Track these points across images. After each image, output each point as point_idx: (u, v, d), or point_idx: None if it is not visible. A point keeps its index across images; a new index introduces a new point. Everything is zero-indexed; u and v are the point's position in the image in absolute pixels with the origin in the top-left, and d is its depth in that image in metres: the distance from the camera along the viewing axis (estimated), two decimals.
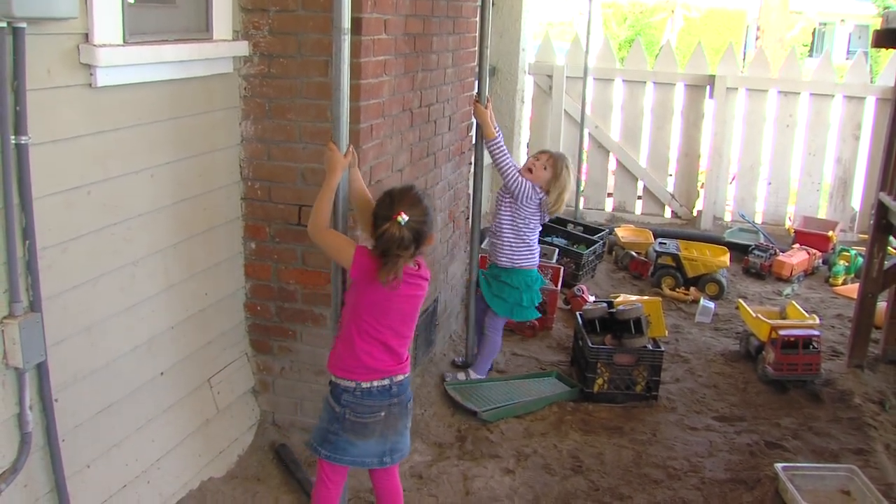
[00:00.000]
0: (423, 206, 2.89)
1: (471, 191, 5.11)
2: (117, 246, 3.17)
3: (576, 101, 8.60)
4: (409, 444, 3.20)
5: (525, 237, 4.73)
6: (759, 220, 8.57)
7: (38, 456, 2.88)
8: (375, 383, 2.97)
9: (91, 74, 2.91)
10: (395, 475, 3.26)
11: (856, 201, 8.42)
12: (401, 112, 4.09)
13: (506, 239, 4.73)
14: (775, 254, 7.27)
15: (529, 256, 4.79)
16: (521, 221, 4.71)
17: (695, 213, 8.70)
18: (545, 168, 4.62)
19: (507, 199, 4.70)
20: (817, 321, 5.34)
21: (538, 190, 4.63)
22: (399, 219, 2.80)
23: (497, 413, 4.51)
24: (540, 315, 5.08)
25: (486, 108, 4.65)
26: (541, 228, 4.86)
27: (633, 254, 7.21)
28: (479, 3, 4.84)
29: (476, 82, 4.98)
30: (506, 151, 4.65)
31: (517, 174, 4.61)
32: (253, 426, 4.09)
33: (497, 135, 4.65)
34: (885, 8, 17.58)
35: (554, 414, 4.62)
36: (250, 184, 3.87)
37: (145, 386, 3.42)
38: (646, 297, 5.71)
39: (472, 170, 5.00)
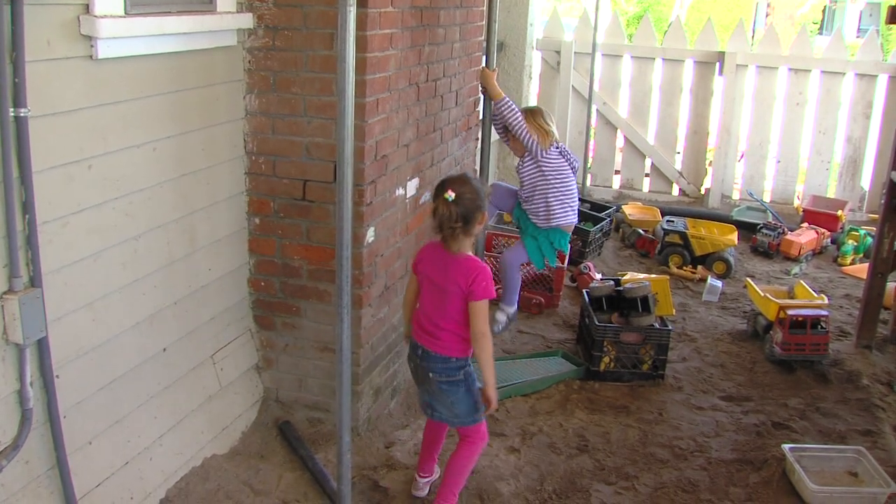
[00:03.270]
0: (472, 185, 3.24)
1: (478, 166, 5.06)
2: (119, 221, 3.13)
3: (584, 78, 8.53)
4: (451, 417, 3.46)
5: (561, 192, 4.76)
6: (767, 198, 8.50)
7: (39, 433, 2.86)
8: (413, 339, 3.47)
9: (92, 46, 2.86)
10: (443, 429, 3.66)
11: (865, 181, 8.35)
12: (407, 86, 4.03)
13: (539, 199, 4.76)
14: (784, 233, 7.23)
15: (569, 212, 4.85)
16: (552, 176, 4.73)
17: (703, 191, 8.64)
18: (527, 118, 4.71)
19: (530, 161, 4.69)
20: (826, 301, 5.30)
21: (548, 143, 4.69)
22: (446, 195, 3.16)
23: (504, 392, 4.48)
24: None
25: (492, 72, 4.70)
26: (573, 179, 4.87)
27: (641, 231, 7.18)
28: None
29: (483, 57, 4.91)
30: (516, 108, 4.66)
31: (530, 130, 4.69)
32: (256, 403, 4.07)
33: (504, 96, 4.69)
34: None
35: (560, 392, 4.60)
36: (254, 158, 3.83)
37: (147, 362, 3.40)
38: (653, 276, 5.67)
39: (480, 145, 4.95)
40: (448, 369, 3.36)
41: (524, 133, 4.63)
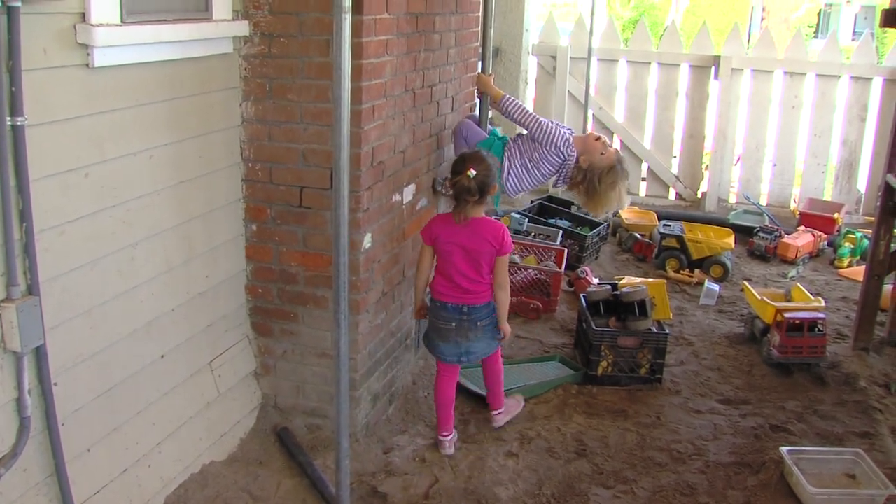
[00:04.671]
0: (487, 163, 3.81)
1: None
2: (116, 228, 3.14)
3: (580, 83, 8.54)
4: (488, 349, 4.09)
5: (529, 172, 4.59)
6: (763, 201, 8.52)
7: (38, 440, 2.86)
8: (449, 304, 3.93)
9: (88, 55, 2.86)
10: (493, 359, 4.21)
11: (862, 183, 8.36)
12: (403, 92, 4.04)
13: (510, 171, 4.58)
14: (780, 236, 7.23)
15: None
16: (531, 160, 4.53)
17: (699, 195, 8.65)
18: (602, 153, 4.47)
19: (516, 146, 4.58)
20: (822, 304, 5.30)
21: (571, 146, 4.48)
22: (469, 173, 3.72)
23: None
24: None
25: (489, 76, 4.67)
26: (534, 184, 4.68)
27: (638, 236, 7.18)
28: None
29: (479, 63, 4.92)
30: (519, 102, 4.57)
31: (544, 119, 4.52)
32: (254, 409, 4.07)
33: (504, 94, 4.61)
34: None
35: (558, 397, 4.60)
36: (251, 165, 3.83)
37: (146, 369, 3.40)
38: (650, 280, 5.68)
39: None
40: (489, 313, 3.98)
41: (534, 122, 4.47)
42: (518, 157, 4.55)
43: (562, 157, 4.49)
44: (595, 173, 4.47)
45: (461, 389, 4.53)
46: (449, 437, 4.05)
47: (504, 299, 3.99)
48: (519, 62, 8.47)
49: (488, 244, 3.84)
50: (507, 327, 4.07)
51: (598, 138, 4.57)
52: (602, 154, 4.48)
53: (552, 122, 4.56)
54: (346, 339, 3.06)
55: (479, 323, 3.97)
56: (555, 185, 4.78)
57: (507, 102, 4.56)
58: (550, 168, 4.55)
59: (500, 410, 4.30)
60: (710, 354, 5.26)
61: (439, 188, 4.66)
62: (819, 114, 8.30)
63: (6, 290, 2.66)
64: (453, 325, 3.95)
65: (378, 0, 3.60)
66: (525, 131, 4.61)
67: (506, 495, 3.70)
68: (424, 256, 3.99)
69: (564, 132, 4.54)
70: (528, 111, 4.55)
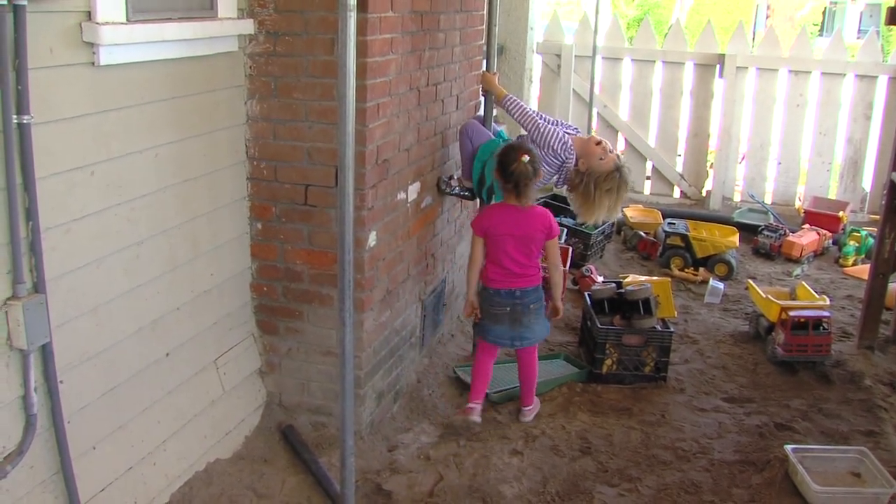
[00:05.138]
0: (533, 153, 4.09)
1: None
2: (121, 227, 3.15)
3: (584, 81, 8.54)
4: (538, 335, 4.33)
5: None
6: (768, 200, 8.50)
7: (44, 438, 2.87)
8: (503, 290, 4.17)
9: (94, 53, 2.87)
10: (532, 353, 4.38)
11: (867, 181, 8.35)
12: (408, 90, 4.05)
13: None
14: (785, 234, 7.22)
15: None
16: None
17: (704, 194, 8.65)
18: (601, 158, 4.39)
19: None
20: (827, 302, 5.30)
21: (570, 149, 4.43)
22: (523, 158, 3.99)
23: (507, 394, 4.50)
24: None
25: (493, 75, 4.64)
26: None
27: (642, 234, 7.18)
28: None
29: (484, 61, 4.92)
30: (521, 103, 4.52)
31: (545, 122, 4.47)
32: (259, 407, 4.08)
33: (507, 94, 4.57)
34: None
35: (562, 395, 4.60)
36: (256, 163, 3.84)
37: (151, 367, 3.41)
38: (655, 278, 5.68)
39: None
40: (539, 297, 4.24)
41: (531, 124, 4.42)
42: None
43: (559, 159, 4.47)
44: (592, 178, 4.42)
45: (463, 385, 4.55)
46: (479, 407, 4.26)
47: (559, 279, 4.33)
48: (523, 60, 8.46)
49: (539, 230, 4.13)
50: (560, 305, 4.38)
51: (598, 143, 4.47)
52: (601, 159, 4.40)
53: (551, 124, 4.53)
54: (350, 337, 3.06)
55: (531, 306, 4.19)
56: (556, 186, 4.78)
57: (509, 102, 4.55)
58: (549, 169, 4.53)
59: (530, 408, 4.42)
60: (714, 353, 5.26)
61: (444, 187, 4.66)
62: (824, 112, 8.28)
63: (12, 287, 2.67)
64: (507, 309, 4.18)
65: None
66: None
67: (510, 493, 3.70)
68: (477, 248, 4.22)
69: (563, 135, 4.47)
70: (527, 112, 4.51)
